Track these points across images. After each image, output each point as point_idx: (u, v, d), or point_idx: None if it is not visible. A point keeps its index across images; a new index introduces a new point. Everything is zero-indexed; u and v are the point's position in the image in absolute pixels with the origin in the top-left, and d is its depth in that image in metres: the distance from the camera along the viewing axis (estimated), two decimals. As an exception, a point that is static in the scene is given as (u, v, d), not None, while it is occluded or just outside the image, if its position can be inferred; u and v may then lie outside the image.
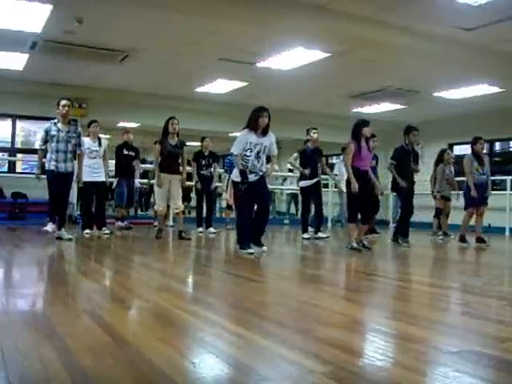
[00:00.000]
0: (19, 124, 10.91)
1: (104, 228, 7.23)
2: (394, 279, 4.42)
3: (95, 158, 7.06)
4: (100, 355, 1.87)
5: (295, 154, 7.83)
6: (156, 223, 8.77)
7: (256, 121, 5.38)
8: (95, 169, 7.01)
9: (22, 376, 1.69)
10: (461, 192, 8.27)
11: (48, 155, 6.14)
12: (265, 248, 5.49)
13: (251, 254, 5.25)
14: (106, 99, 10.96)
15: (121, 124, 12.32)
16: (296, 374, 1.77)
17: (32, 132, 11.42)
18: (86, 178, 6.80)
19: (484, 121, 11.25)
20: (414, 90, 9.90)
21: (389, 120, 12.69)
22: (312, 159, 7.63)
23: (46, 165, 6.15)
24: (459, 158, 11.73)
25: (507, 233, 9.84)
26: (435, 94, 10.06)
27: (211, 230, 8.23)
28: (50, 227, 6.37)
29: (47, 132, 6.13)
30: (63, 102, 6.07)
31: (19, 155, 11.16)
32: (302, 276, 4.53)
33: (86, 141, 7.03)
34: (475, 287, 3.96)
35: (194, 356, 1.97)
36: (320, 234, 7.60)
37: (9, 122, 10.60)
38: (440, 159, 8.53)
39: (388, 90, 9.96)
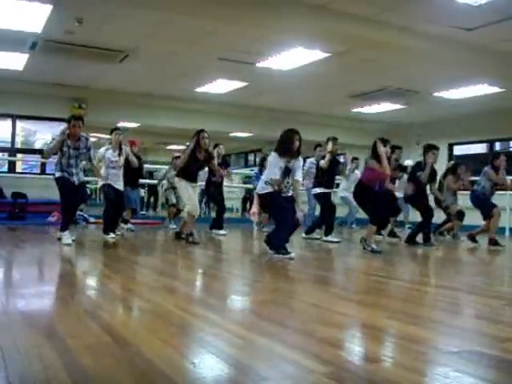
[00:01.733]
0: (19, 124, 10.91)
1: (110, 233, 7.15)
2: (394, 279, 4.42)
3: (114, 168, 6.89)
4: (100, 355, 1.87)
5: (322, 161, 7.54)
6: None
7: (288, 145, 5.25)
8: (114, 177, 6.87)
9: (22, 376, 1.69)
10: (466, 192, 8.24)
11: (59, 166, 5.99)
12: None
13: (292, 258, 5.08)
14: (105, 99, 10.97)
15: (120, 124, 12.30)
16: (296, 374, 1.77)
17: (32, 132, 11.43)
18: (107, 181, 6.85)
19: (484, 121, 11.26)
20: (414, 90, 9.90)
21: (389, 120, 12.70)
22: (331, 169, 7.48)
23: (58, 173, 5.97)
24: (459, 159, 11.79)
25: (507, 233, 9.84)
26: (435, 94, 10.06)
27: (221, 231, 8.22)
28: (69, 238, 5.92)
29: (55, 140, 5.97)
30: (72, 122, 6.00)
31: (19, 155, 11.16)
32: (303, 276, 4.53)
33: (105, 149, 6.99)
34: (475, 287, 3.96)
35: (194, 356, 1.97)
36: (313, 235, 7.70)
37: (9, 122, 10.60)
38: (452, 171, 8.44)
39: (388, 89, 9.96)
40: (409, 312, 2.89)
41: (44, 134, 11.26)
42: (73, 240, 5.97)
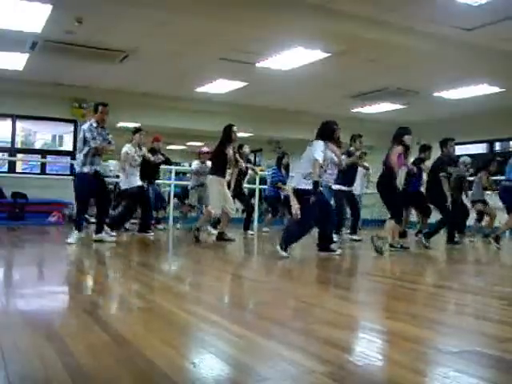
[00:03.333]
0: (19, 124, 10.91)
1: (148, 231, 7.48)
2: (394, 280, 4.42)
3: (135, 166, 7.20)
4: (100, 355, 1.87)
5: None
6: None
7: (332, 134, 5.39)
8: (135, 175, 7.18)
9: (22, 376, 1.69)
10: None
11: (83, 158, 5.79)
12: (339, 251, 5.58)
13: (287, 257, 5.15)
14: (105, 99, 10.90)
15: (121, 124, 12.29)
16: (296, 374, 1.77)
17: (32, 132, 11.43)
18: (126, 185, 7.15)
19: (484, 121, 11.26)
20: (414, 90, 9.90)
21: (389, 120, 12.69)
22: (353, 168, 7.53)
23: (87, 168, 5.78)
24: (459, 158, 11.77)
25: (507, 233, 9.83)
26: (435, 94, 10.06)
27: (250, 231, 8.50)
28: (74, 238, 5.84)
29: (92, 133, 5.82)
30: (101, 108, 5.94)
31: (19, 155, 11.17)
32: (303, 276, 4.53)
33: (129, 148, 7.15)
34: (475, 287, 3.96)
35: (194, 356, 1.97)
36: (354, 237, 7.63)
37: (9, 121, 10.60)
38: (485, 167, 8.39)
39: (388, 89, 9.96)
40: (409, 312, 2.88)
41: (44, 134, 11.27)
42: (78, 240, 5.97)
